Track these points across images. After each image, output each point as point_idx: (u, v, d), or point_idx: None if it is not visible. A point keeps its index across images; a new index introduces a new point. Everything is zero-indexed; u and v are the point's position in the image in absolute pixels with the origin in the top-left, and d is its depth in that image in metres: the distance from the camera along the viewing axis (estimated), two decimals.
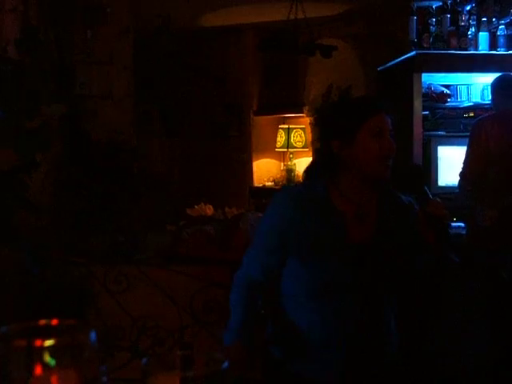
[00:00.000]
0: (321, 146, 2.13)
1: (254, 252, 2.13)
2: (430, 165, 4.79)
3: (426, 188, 2.04)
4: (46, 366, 0.67)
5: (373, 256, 2.02)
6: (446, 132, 4.99)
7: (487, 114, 4.48)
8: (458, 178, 4.30)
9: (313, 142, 6.88)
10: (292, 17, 5.59)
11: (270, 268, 2.08)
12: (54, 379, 0.66)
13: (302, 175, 2.25)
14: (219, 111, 7.25)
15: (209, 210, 4.28)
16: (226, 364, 0.75)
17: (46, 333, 0.69)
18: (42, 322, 0.71)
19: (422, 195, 2.02)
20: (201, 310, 3.31)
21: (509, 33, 4.70)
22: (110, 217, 4.19)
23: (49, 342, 0.67)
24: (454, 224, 4.72)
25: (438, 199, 2.04)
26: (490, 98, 4.41)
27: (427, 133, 4.83)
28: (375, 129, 2.00)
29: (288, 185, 2.15)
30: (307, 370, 2.04)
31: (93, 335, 0.69)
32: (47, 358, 0.67)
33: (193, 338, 3.07)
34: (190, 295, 3.32)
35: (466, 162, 4.25)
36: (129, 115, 4.92)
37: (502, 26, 4.72)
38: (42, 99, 3.63)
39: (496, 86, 4.29)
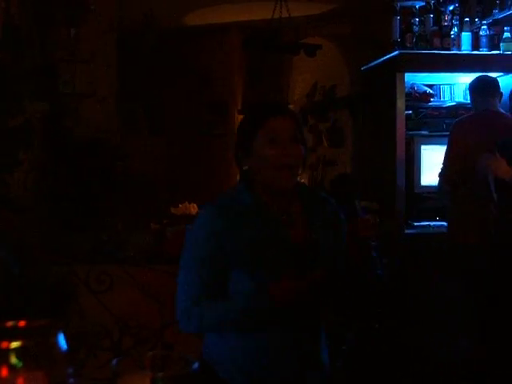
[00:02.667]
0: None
1: (187, 286, 1.96)
2: (412, 164, 4.80)
3: (357, 202, 1.95)
4: (12, 367, 0.66)
5: (313, 256, 1.95)
6: (429, 131, 5.01)
7: (466, 115, 4.51)
8: (438, 179, 4.33)
9: None
10: (276, 16, 5.59)
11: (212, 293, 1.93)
12: (20, 381, 0.66)
13: None
14: (204, 110, 7.24)
15: (193, 208, 4.28)
16: (196, 365, 0.75)
17: (15, 334, 0.69)
18: (9, 323, 0.71)
19: (351, 209, 1.94)
20: None
21: (491, 33, 4.72)
22: (93, 216, 4.18)
23: (15, 344, 0.66)
24: (436, 223, 4.75)
25: (369, 216, 1.97)
26: (469, 98, 4.44)
27: (410, 132, 4.84)
28: (269, 135, 1.89)
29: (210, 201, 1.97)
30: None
31: (61, 336, 0.69)
32: (14, 359, 0.66)
33: (175, 337, 3.07)
34: (174, 294, 3.31)
35: (445, 162, 4.28)
36: (112, 113, 4.91)
37: (485, 27, 4.74)
38: (25, 97, 3.61)
39: (474, 88, 4.34)
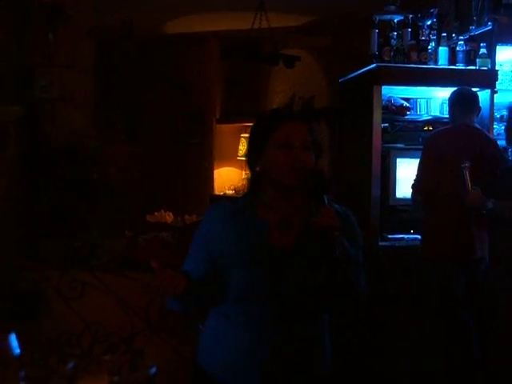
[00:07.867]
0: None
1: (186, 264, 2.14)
2: (388, 177, 4.82)
3: (324, 195, 1.94)
4: None
5: (294, 262, 1.98)
6: (405, 145, 5.02)
7: (442, 128, 4.53)
8: (411, 190, 4.34)
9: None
10: (256, 26, 5.62)
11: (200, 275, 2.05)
12: None
13: None
14: (181, 118, 7.23)
15: (168, 216, 4.28)
16: (153, 370, 0.75)
17: None
18: None
19: (319, 201, 1.94)
20: (156, 317, 3.29)
21: (467, 48, 4.76)
22: (66, 222, 4.15)
23: None
24: (410, 236, 4.77)
25: (335, 207, 1.99)
26: (448, 111, 4.46)
27: (386, 145, 4.86)
28: (280, 140, 1.98)
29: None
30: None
31: (13, 339, 0.68)
32: None
33: (145, 344, 3.05)
34: (146, 302, 3.30)
35: (418, 174, 4.29)
36: (89, 119, 4.87)
37: (461, 42, 4.79)
38: None
39: (454, 100, 4.33)
